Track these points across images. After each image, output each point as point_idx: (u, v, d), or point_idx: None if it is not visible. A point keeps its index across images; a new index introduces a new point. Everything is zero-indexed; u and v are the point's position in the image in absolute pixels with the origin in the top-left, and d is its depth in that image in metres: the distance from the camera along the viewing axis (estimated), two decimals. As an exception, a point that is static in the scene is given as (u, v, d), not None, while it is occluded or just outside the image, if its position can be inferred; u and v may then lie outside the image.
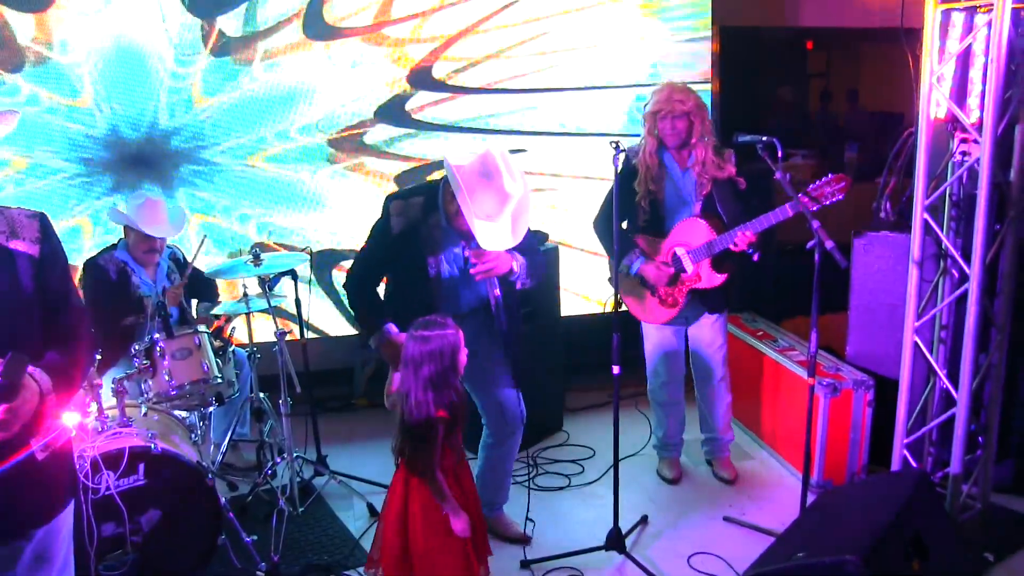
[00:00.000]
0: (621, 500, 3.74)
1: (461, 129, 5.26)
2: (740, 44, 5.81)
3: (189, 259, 4.52)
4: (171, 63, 4.83)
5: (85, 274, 4.28)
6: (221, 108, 4.95)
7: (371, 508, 4.18)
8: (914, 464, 3.88)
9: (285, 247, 5.13)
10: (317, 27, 4.97)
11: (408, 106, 5.17)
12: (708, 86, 5.37)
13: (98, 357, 3.64)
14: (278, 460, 4.32)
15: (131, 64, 4.79)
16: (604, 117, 5.37)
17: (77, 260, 4.49)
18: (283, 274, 4.28)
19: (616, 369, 3.58)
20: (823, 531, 3.09)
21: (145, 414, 3.72)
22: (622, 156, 3.49)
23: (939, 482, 3.82)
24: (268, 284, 4.17)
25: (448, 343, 2.96)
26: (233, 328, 5.04)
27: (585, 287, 5.49)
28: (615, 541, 3.73)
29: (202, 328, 4.19)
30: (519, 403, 3.70)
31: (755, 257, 3.84)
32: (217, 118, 4.95)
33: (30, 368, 2.07)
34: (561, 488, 4.43)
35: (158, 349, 3.95)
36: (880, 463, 4.17)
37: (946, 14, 3.56)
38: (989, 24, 3.31)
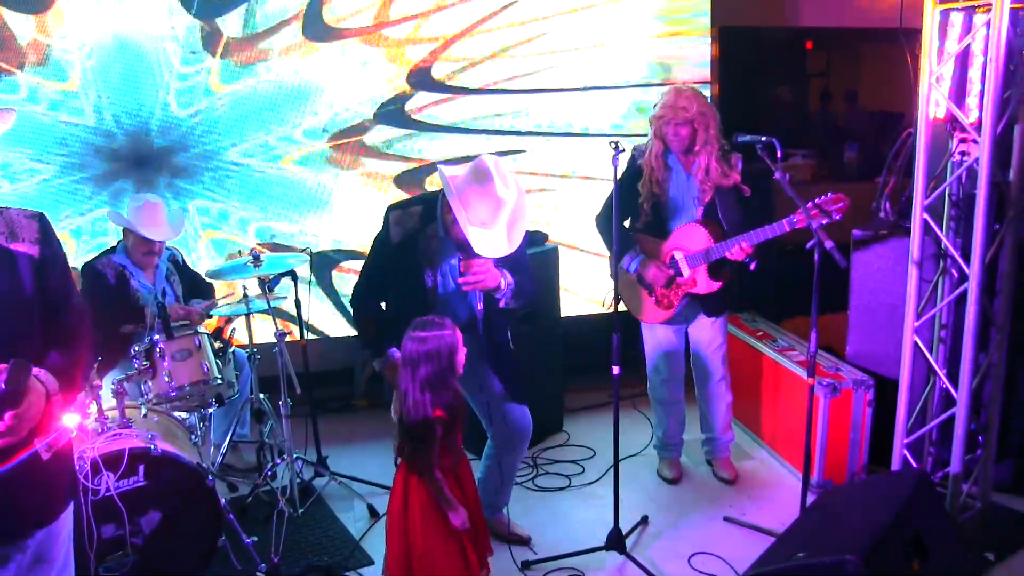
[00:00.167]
0: (621, 500, 3.74)
1: (461, 130, 5.26)
2: (740, 44, 5.81)
3: (192, 269, 4.54)
4: (171, 64, 4.83)
5: (83, 278, 4.27)
6: (221, 110, 4.95)
7: (371, 509, 4.18)
8: (914, 464, 3.88)
9: (285, 248, 5.13)
10: (316, 28, 4.97)
11: (408, 107, 5.18)
12: (708, 86, 5.37)
13: (98, 359, 3.64)
14: (278, 461, 4.32)
15: (131, 65, 4.79)
16: (604, 117, 5.37)
17: (75, 261, 4.49)
18: (283, 275, 4.28)
19: (616, 369, 3.58)
20: (823, 531, 3.09)
21: (145, 415, 3.72)
22: (623, 155, 3.48)
23: (939, 482, 3.82)
24: (268, 285, 4.17)
25: (445, 343, 2.97)
26: (233, 329, 5.04)
27: (585, 287, 5.48)
28: (615, 541, 3.73)
29: (202, 329, 4.19)
30: (524, 416, 3.67)
31: (752, 266, 3.84)
32: (216, 120, 4.95)
33: (35, 371, 2.07)
34: (561, 488, 4.43)
35: (158, 350, 3.95)
36: (880, 463, 4.17)
37: (945, 14, 3.56)
38: (988, 24, 3.31)
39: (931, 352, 3.82)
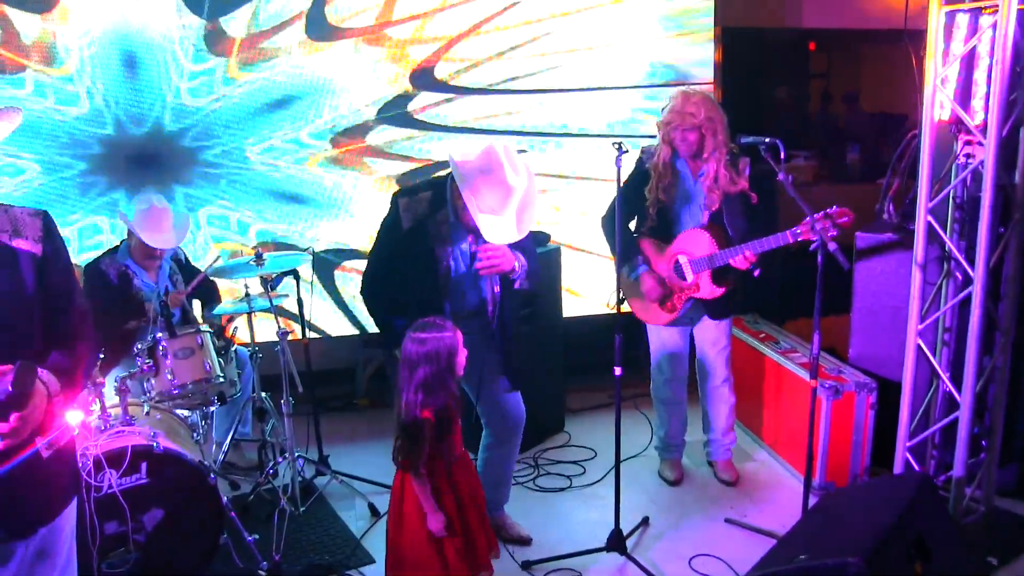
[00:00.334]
0: (622, 501, 3.74)
1: (463, 130, 5.26)
2: (743, 45, 5.81)
3: (195, 265, 4.53)
4: (176, 64, 4.83)
5: (86, 278, 4.27)
6: (223, 110, 4.94)
7: (372, 508, 4.18)
8: (916, 467, 3.87)
9: (287, 247, 5.13)
10: (319, 28, 4.97)
11: (410, 107, 5.17)
12: (710, 87, 5.37)
13: (101, 357, 3.64)
14: (280, 460, 4.32)
15: (135, 65, 4.79)
16: (606, 118, 5.37)
17: (76, 258, 4.49)
18: (285, 274, 4.28)
19: (618, 370, 3.58)
20: (825, 533, 3.09)
21: (148, 413, 3.72)
22: (627, 156, 3.47)
23: (942, 486, 3.82)
24: (270, 284, 4.17)
25: (445, 345, 2.98)
26: (235, 328, 5.05)
27: (587, 288, 5.48)
28: (616, 542, 3.72)
29: (204, 328, 4.19)
30: (518, 405, 3.70)
31: (756, 273, 3.83)
32: (218, 120, 4.95)
33: (38, 371, 2.07)
34: (563, 489, 4.43)
35: (161, 348, 3.95)
36: (882, 465, 4.17)
37: (950, 15, 3.56)
38: (994, 26, 3.30)
39: (935, 355, 3.82)
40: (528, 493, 4.39)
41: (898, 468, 3.92)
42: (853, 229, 4.34)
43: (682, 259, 4.00)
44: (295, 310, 4.45)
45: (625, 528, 3.77)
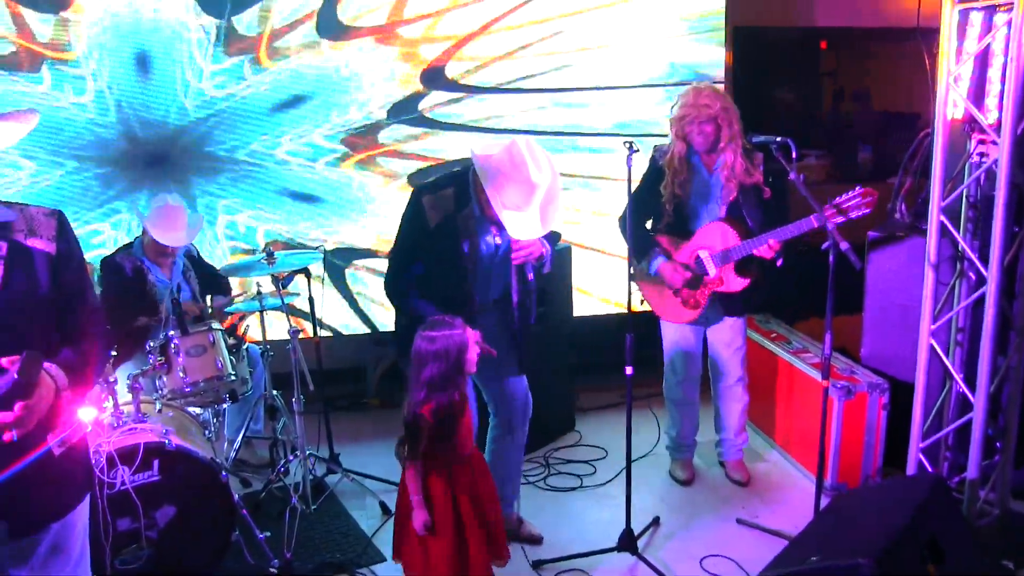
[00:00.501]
0: (633, 501, 3.73)
1: (474, 128, 5.26)
2: (754, 44, 5.80)
3: (207, 261, 4.57)
4: (188, 63, 4.84)
5: (102, 272, 4.30)
6: (235, 109, 4.96)
7: (383, 506, 4.18)
8: (930, 469, 3.85)
9: (298, 246, 5.14)
10: (330, 26, 4.98)
11: (421, 105, 5.18)
12: (721, 87, 5.35)
13: (113, 354, 3.66)
14: (291, 458, 4.33)
15: (147, 63, 4.81)
16: (617, 117, 5.36)
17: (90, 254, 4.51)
18: (296, 272, 4.29)
19: (629, 370, 3.58)
20: (837, 534, 3.08)
21: (160, 410, 3.73)
22: (638, 155, 3.47)
23: (955, 487, 3.80)
24: (281, 282, 4.18)
25: (454, 343, 2.99)
26: (247, 326, 5.06)
27: (598, 287, 5.48)
28: (627, 542, 3.72)
29: (216, 325, 4.20)
30: (526, 392, 3.71)
31: (779, 263, 3.81)
32: (230, 119, 4.97)
33: (46, 364, 2.08)
34: (573, 489, 4.42)
35: (173, 346, 3.97)
36: (895, 466, 4.15)
37: (964, 13, 3.54)
38: (1009, 23, 3.28)
39: (948, 355, 3.80)
40: (539, 492, 4.39)
41: (911, 469, 3.90)
42: (865, 228, 4.34)
43: (703, 254, 3.98)
44: (306, 308, 4.46)
45: (636, 528, 3.76)
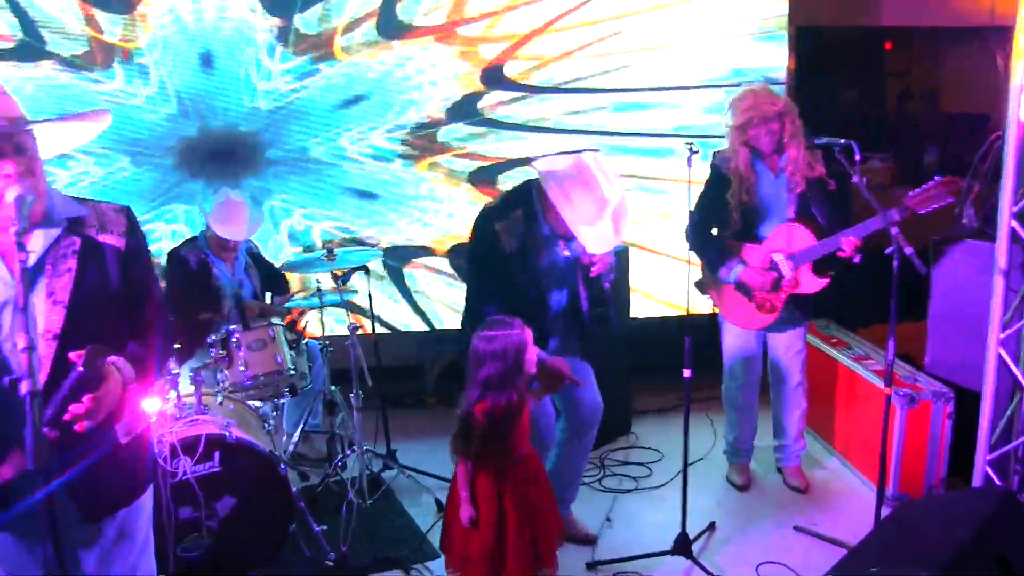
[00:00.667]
0: (689, 505, 3.71)
1: (534, 128, 5.26)
2: (817, 44, 5.71)
3: (267, 259, 4.64)
4: (250, 61, 4.93)
5: (168, 265, 4.40)
6: (295, 107, 5.03)
7: (439, 504, 4.20)
8: (997, 481, 3.75)
9: (358, 243, 5.19)
10: (391, 25, 5.01)
11: (480, 104, 5.19)
12: (783, 87, 5.28)
13: (176, 347, 3.74)
14: (348, 452, 4.38)
15: (211, 61, 4.90)
16: (676, 117, 5.32)
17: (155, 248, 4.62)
18: (355, 269, 4.34)
19: (687, 372, 3.55)
20: (899, 545, 3.01)
21: (221, 403, 3.81)
22: (696, 156, 3.45)
23: (1025, 500, 3.70)
24: (341, 279, 4.23)
25: (512, 343, 3.00)
26: (306, 321, 5.13)
27: (656, 289, 5.44)
28: (682, 546, 3.70)
29: (277, 321, 4.26)
30: (596, 396, 3.71)
31: (856, 259, 3.73)
32: (291, 116, 5.04)
33: (113, 358, 2.14)
34: (629, 490, 4.40)
35: (234, 340, 4.04)
36: (960, 477, 4.05)
37: (1041, 12, 3.44)
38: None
39: (1017, 365, 3.69)
40: (594, 493, 4.37)
41: (977, 481, 3.80)
42: (931, 233, 4.24)
43: (777, 257, 3.91)
44: (365, 305, 4.50)
45: (691, 532, 3.74)
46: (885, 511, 3.55)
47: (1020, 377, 3.65)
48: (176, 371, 3.67)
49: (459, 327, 3.67)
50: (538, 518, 3.17)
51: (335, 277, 4.28)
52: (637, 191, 5.35)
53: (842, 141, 3.44)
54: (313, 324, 5.12)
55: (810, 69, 5.59)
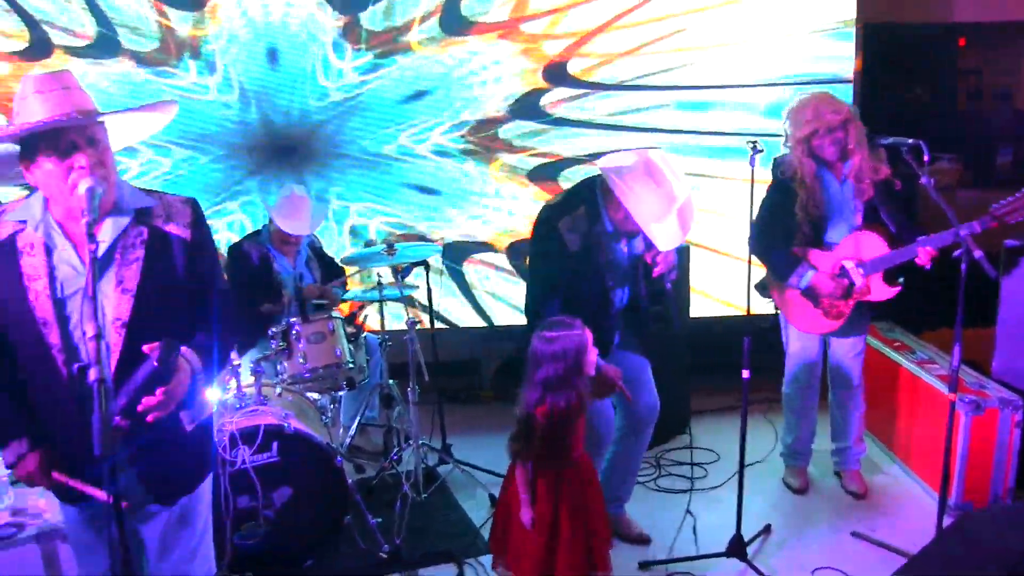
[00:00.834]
0: (744, 507, 3.67)
1: (596, 125, 5.24)
2: (885, 42, 5.59)
3: (329, 253, 4.70)
4: (316, 57, 4.99)
5: (229, 258, 4.48)
6: (359, 102, 5.08)
7: (493, 499, 4.21)
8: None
9: (418, 238, 5.23)
10: (454, 22, 5.04)
11: (543, 101, 5.19)
12: (850, 85, 5.19)
13: (239, 338, 3.81)
14: (404, 446, 4.42)
15: (277, 56, 4.98)
16: (740, 115, 5.26)
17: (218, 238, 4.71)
18: (415, 264, 4.37)
19: (746, 373, 3.52)
20: (961, 555, 2.94)
21: (280, 394, 3.87)
22: (760, 156, 3.41)
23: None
24: (401, 274, 4.27)
25: (573, 344, 2.98)
26: (365, 315, 5.18)
27: (716, 288, 5.39)
28: (736, 548, 3.66)
29: (336, 314, 4.32)
30: (653, 393, 3.71)
31: (928, 266, 3.65)
32: (355, 111, 5.09)
33: (182, 349, 2.19)
34: (684, 491, 4.37)
35: (294, 332, 4.10)
36: (1028, 488, 3.95)
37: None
38: None
39: (1089, 373, 3.59)
40: (649, 493, 4.35)
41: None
42: (1002, 237, 4.13)
43: (848, 264, 3.84)
44: (424, 300, 4.54)
45: (746, 534, 3.70)
46: (947, 520, 3.47)
47: (1092, 386, 3.54)
48: (237, 362, 3.74)
49: (515, 324, 3.70)
50: (591, 520, 3.15)
51: (395, 272, 4.32)
52: (699, 190, 5.30)
53: (910, 141, 3.37)
54: (372, 318, 5.18)
55: (877, 67, 5.47)
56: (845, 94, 5.01)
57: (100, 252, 2.12)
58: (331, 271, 4.74)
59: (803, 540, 3.91)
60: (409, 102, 5.12)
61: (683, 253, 4.83)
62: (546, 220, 3.46)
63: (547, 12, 5.08)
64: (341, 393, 4.41)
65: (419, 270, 4.44)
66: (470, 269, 5.36)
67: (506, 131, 5.21)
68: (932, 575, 2.75)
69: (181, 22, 4.86)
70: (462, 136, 5.19)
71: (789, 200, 3.83)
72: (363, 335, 4.62)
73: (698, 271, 5.13)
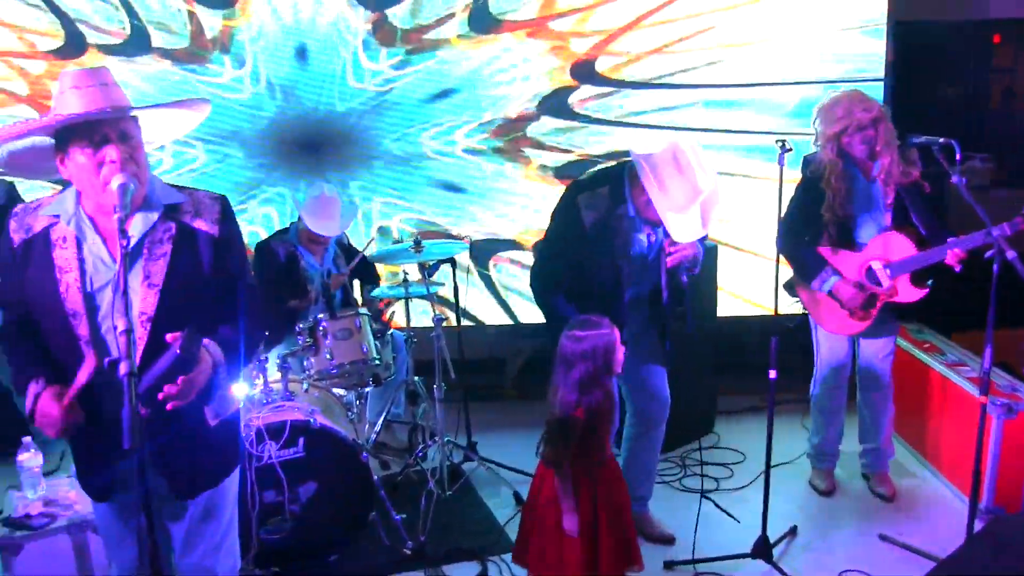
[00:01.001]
0: (770, 508, 3.64)
1: (624, 124, 5.22)
2: (917, 39, 5.52)
3: (356, 247, 4.70)
4: (344, 55, 5.02)
5: (256, 255, 4.51)
6: (386, 101, 5.10)
7: (517, 497, 4.22)
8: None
9: (445, 236, 5.24)
10: (482, 20, 5.04)
11: (571, 99, 5.18)
12: (880, 84, 5.13)
13: (265, 334, 3.84)
14: (429, 443, 4.43)
15: (306, 54, 5.01)
16: (769, 114, 5.22)
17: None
18: (442, 261, 4.38)
19: (773, 373, 3.49)
20: (992, 560, 2.90)
21: (307, 390, 3.89)
22: (788, 155, 3.38)
23: None
24: (427, 271, 4.28)
25: (602, 343, 2.95)
26: (392, 312, 5.20)
27: (744, 288, 5.36)
28: (762, 549, 3.64)
29: (363, 311, 4.34)
30: (664, 389, 3.69)
31: (957, 268, 3.61)
32: (382, 109, 5.11)
33: (205, 341, 2.21)
34: (709, 491, 4.34)
35: (321, 329, 4.12)
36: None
37: None
38: None
39: (1123, 376, 3.53)
40: (674, 492, 4.34)
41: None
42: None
43: (875, 265, 3.81)
44: (451, 297, 4.54)
45: (772, 536, 3.67)
46: (978, 525, 3.42)
47: None
48: (264, 357, 3.77)
49: (541, 322, 3.68)
50: (625, 517, 3.13)
51: (422, 268, 4.33)
52: (729, 189, 5.27)
53: (941, 140, 3.33)
54: (399, 315, 5.19)
55: (909, 65, 5.41)
56: (876, 93, 4.94)
57: (130, 246, 2.14)
58: (360, 267, 4.74)
59: (829, 542, 3.88)
60: (437, 100, 5.13)
61: (711, 252, 4.81)
62: (569, 192, 3.47)
63: (575, 10, 5.06)
64: (367, 389, 4.42)
65: (445, 267, 4.45)
66: (497, 266, 5.37)
67: (533, 129, 5.20)
68: (961, 579, 2.72)
69: (211, 18, 4.90)
70: (489, 134, 5.19)
71: (817, 199, 3.80)
72: (389, 332, 4.63)
73: (726, 270, 5.10)
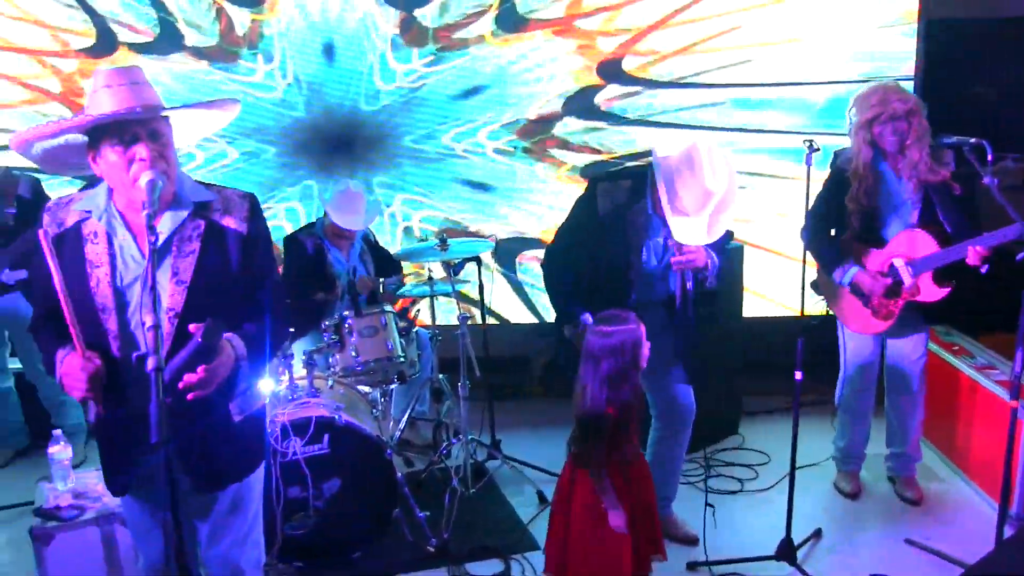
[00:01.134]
0: (795, 510, 3.62)
1: (650, 123, 5.21)
2: (949, 38, 5.46)
3: (383, 246, 4.74)
4: (372, 54, 5.04)
5: (285, 248, 4.55)
6: (413, 97, 5.12)
7: (541, 495, 4.22)
8: None
9: (471, 234, 5.25)
10: (509, 19, 5.05)
11: (597, 99, 5.18)
12: (911, 83, 5.08)
13: (291, 330, 3.86)
14: (454, 441, 4.44)
15: (333, 52, 5.04)
16: (797, 114, 5.19)
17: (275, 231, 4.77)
18: (468, 260, 4.39)
19: (799, 375, 3.47)
20: (1022, 567, 2.87)
21: (332, 387, 3.91)
22: (816, 156, 3.35)
23: None
24: (453, 269, 4.29)
25: (630, 338, 2.93)
26: (417, 310, 5.22)
27: (771, 289, 5.33)
28: (786, 551, 3.61)
29: (388, 308, 4.36)
30: (689, 395, 3.66)
31: (983, 269, 3.57)
32: (409, 107, 5.13)
33: (228, 335, 2.24)
34: (733, 492, 4.33)
35: (347, 326, 4.14)
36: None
37: None
38: None
39: None
40: (698, 493, 4.31)
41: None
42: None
43: (898, 262, 3.77)
44: (476, 296, 4.55)
45: (796, 538, 3.65)
46: (1008, 531, 3.38)
47: None
48: (290, 353, 3.80)
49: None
50: (652, 513, 3.13)
51: (447, 267, 4.34)
52: (756, 189, 5.24)
53: (972, 140, 3.30)
54: (424, 313, 5.21)
55: (940, 64, 5.35)
56: (906, 92, 4.91)
57: (159, 243, 2.17)
58: (386, 265, 4.78)
59: (854, 545, 3.85)
60: (464, 98, 5.15)
61: (737, 253, 4.79)
62: (591, 182, 3.49)
63: (602, 9, 5.05)
64: (392, 387, 4.44)
65: (471, 265, 4.46)
66: (522, 265, 5.37)
67: (560, 128, 5.20)
68: (988, 585, 2.69)
69: (240, 15, 4.95)
70: (515, 132, 5.19)
71: (843, 191, 3.79)
72: (415, 329, 4.65)
73: (752, 271, 5.07)
